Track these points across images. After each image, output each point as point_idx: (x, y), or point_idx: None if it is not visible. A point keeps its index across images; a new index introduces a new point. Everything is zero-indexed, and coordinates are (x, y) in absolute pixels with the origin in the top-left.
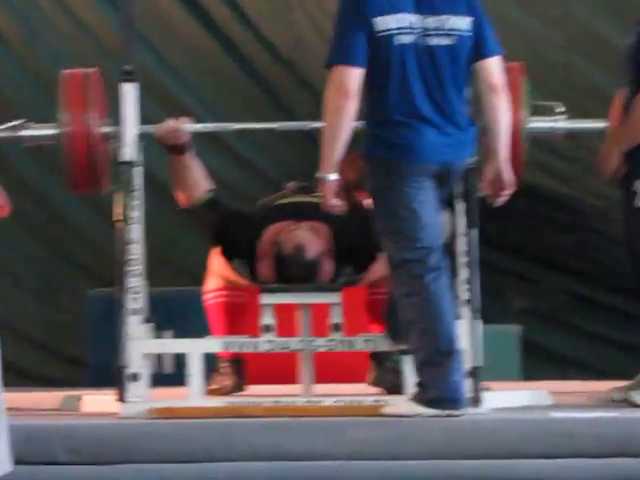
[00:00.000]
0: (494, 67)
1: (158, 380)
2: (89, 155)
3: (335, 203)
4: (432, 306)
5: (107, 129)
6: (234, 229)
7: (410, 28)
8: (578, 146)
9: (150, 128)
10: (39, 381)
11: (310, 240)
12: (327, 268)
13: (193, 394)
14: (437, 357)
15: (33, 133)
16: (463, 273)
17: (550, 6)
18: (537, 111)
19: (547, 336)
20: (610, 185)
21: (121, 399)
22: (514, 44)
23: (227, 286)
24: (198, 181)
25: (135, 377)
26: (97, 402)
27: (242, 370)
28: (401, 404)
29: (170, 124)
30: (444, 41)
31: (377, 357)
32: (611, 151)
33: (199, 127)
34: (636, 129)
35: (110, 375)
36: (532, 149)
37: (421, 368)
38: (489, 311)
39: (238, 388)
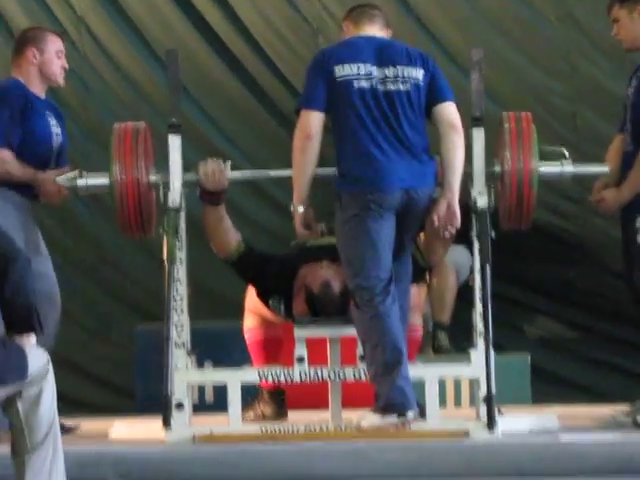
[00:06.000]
0: (452, 109)
1: (199, 409)
2: (138, 202)
3: (303, 232)
4: (380, 323)
5: (154, 177)
6: (269, 273)
7: (368, 75)
8: (583, 188)
9: (194, 175)
10: (90, 409)
11: (335, 277)
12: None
13: (232, 421)
14: (386, 368)
15: (88, 182)
16: (477, 306)
17: (557, 61)
18: (544, 156)
19: (555, 363)
20: (610, 221)
21: (166, 426)
22: (524, 95)
23: (263, 323)
24: (229, 232)
25: (179, 405)
26: (145, 428)
27: (283, 400)
28: (368, 416)
29: (213, 165)
30: (401, 87)
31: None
32: (621, 196)
33: (238, 174)
34: None
35: (156, 403)
36: (541, 191)
37: (374, 379)
38: (502, 340)
39: (278, 416)
